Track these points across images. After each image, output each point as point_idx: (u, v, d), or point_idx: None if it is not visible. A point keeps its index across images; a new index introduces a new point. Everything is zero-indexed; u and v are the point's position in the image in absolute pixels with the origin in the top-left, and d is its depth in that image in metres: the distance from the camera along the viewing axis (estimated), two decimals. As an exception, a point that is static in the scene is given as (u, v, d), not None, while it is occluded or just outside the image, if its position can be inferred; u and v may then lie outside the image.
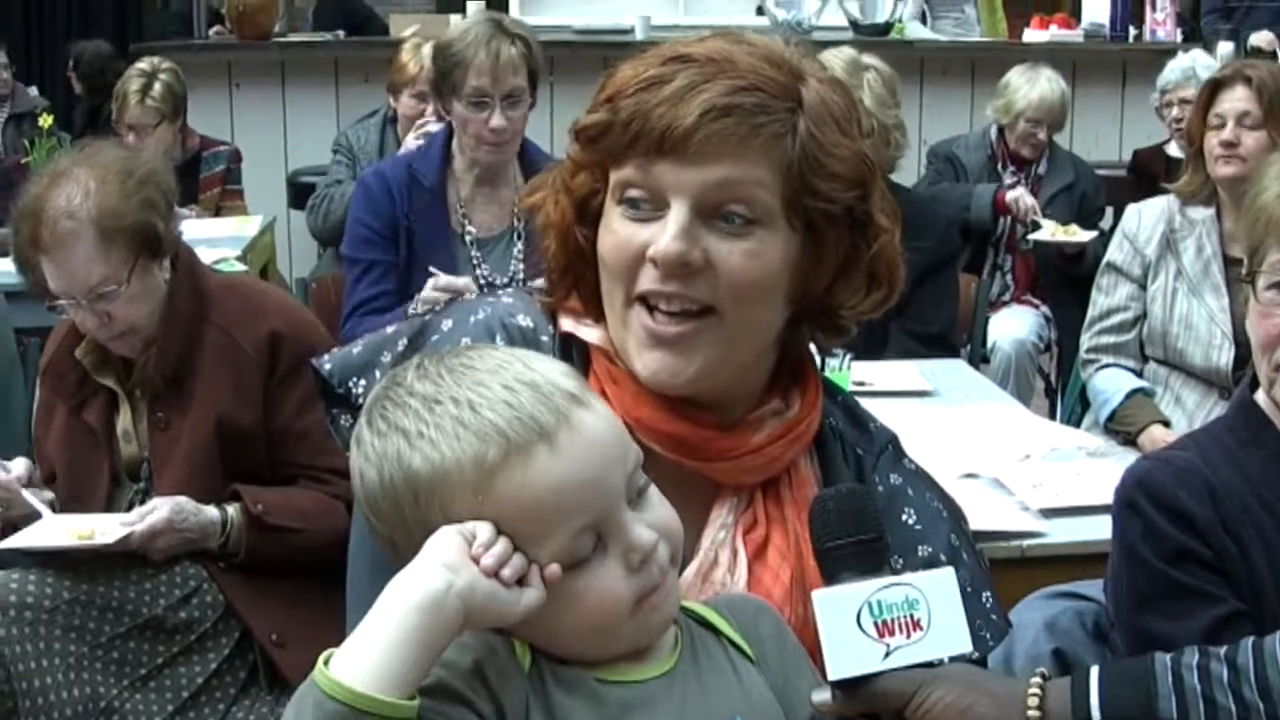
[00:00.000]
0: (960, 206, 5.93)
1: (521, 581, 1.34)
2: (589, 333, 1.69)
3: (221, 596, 3.12)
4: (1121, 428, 4.11)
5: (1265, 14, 8.37)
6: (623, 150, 1.58)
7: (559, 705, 1.37)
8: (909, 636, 1.47)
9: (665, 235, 1.55)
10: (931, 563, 1.66)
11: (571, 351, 1.70)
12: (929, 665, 1.49)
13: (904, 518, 1.71)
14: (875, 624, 1.46)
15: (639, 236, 1.58)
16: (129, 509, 3.18)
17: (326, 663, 1.26)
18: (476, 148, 4.12)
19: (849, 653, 1.46)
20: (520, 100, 4.11)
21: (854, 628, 1.46)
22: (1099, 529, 2.88)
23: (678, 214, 1.55)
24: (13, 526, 3.13)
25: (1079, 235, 5.87)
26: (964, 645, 1.49)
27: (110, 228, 3.04)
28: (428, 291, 3.92)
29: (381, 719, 1.23)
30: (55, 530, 3.05)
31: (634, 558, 1.39)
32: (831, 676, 1.46)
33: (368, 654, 1.26)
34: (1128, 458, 3.19)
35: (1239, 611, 2.08)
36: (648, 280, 1.58)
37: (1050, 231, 5.90)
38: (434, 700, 1.30)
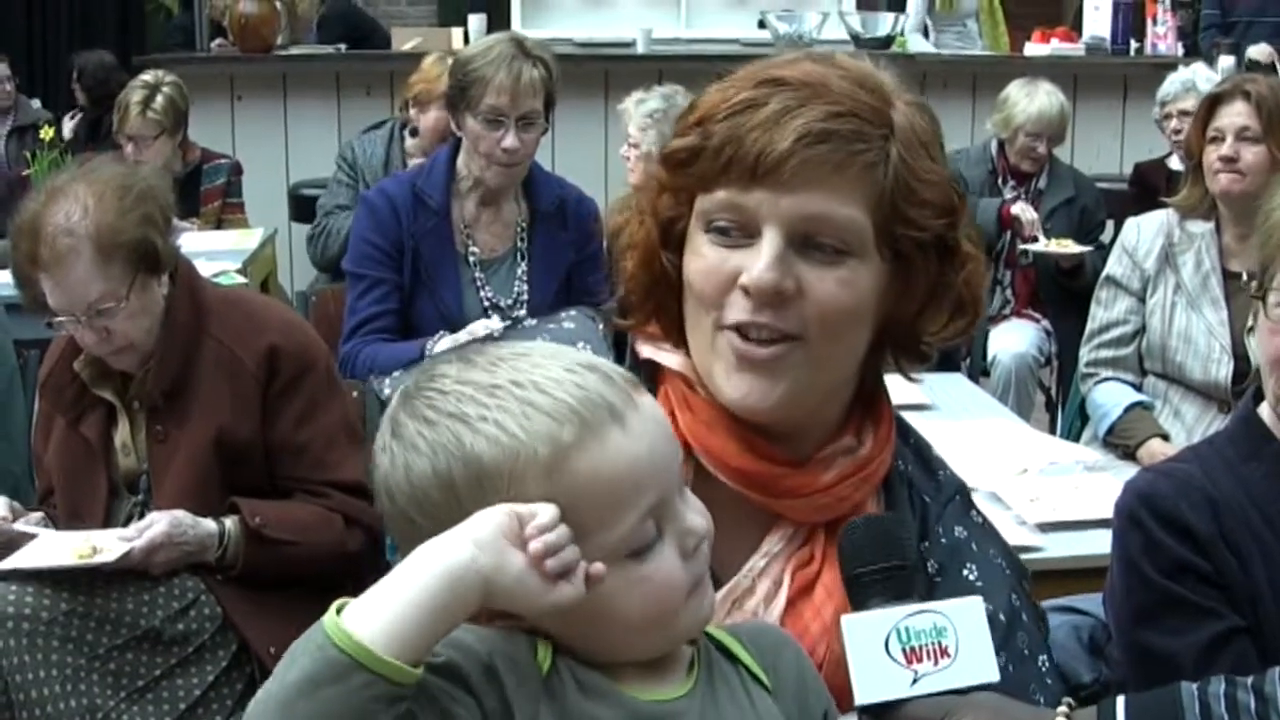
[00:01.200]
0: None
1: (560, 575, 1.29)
2: (668, 358, 1.68)
3: (219, 609, 3.12)
4: (1121, 441, 4.11)
5: (1265, 29, 8.38)
6: (714, 176, 1.55)
7: (580, 712, 1.34)
8: (936, 664, 1.46)
9: (759, 264, 1.53)
10: (990, 621, 1.61)
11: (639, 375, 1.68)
12: (956, 693, 1.47)
13: (965, 572, 1.69)
14: (903, 650, 1.46)
15: (729, 263, 1.56)
16: (127, 522, 3.19)
17: (339, 611, 1.23)
18: (486, 166, 4.12)
19: (877, 678, 1.45)
20: (535, 123, 4.11)
21: (882, 653, 1.46)
22: (1096, 543, 2.88)
23: (771, 242, 1.53)
24: (11, 545, 3.13)
25: (1073, 248, 5.88)
26: (991, 674, 1.48)
27: (109, 244, 3.04)
28: (457, 337, 3.91)
29: (379, 677, 1.19)
30: (55, 549, 3.04)
31: (690, 542, 1.38)
32: (859, 702, 1.46)
33: (380, 612, 1.21)
34: (1126, 472, 3.19)
35: (1238, 627, 2.07)
36: (738, 310, 1.56)
37: (1044, 244, 5.91)
38: (439, 678, 1.27)
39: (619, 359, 1.67)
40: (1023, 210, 5.99)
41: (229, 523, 3.14)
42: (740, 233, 1.56)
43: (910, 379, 1.73)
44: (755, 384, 1.57)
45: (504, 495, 1.30)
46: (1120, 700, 1.71)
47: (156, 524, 3.04)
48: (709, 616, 1.43)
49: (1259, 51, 7.76)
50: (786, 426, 1.63)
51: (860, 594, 1.50)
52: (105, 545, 3.03)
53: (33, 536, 3.09)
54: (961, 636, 1.47)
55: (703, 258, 1.58)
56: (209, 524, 3.11)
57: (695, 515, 1.39)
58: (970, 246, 1.65)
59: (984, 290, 1.68)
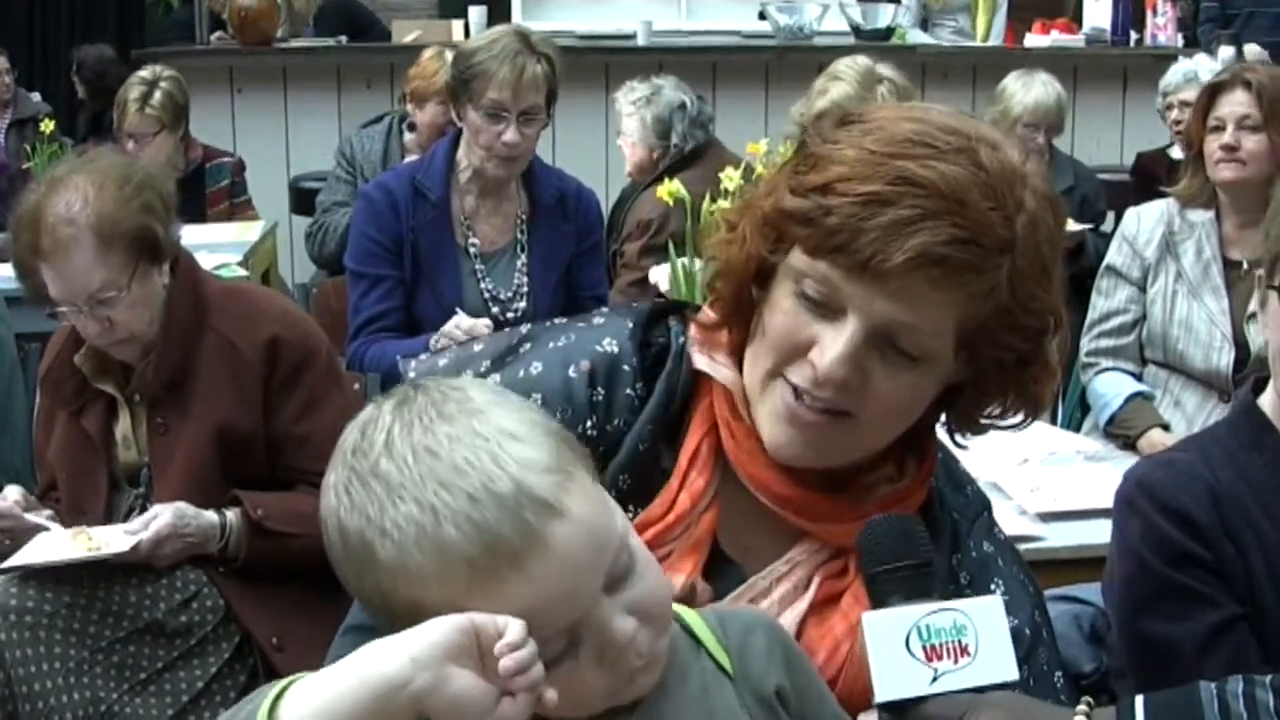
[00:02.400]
0: None
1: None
2: (722, 373, 1.67)
3: (222, 601, 3.13)
4: (1121, 431, 4.11)
5: (1265, 20, 8.37)
6: (821, 250, 1.52)
7: None
8: (956, 662, 1.46)
9: (831, 354, 1.52)
10: (1016, 636, 1.62)
11: (669, 374, 1.68)
12: (975, 691, 1.48)
13: (993, 587, 1.70)
14: (924, 648, 1.46)
15: (806, 330, 1.55)
16: (128, 515, 3.21)
17: (284, 691, 1.26)
18: (486, 159, 4.11)
19: (897, 675, 1.46)
20: (536, 118, 4.11)
21: (903, 650, 1.46)
22: (1097, 533, 2.88)
23: (852, 335, 1.52)
24: (21, 535, 3.14)
25: (1071, 225, 5.87)
26: (1010, 673, 1.48)
27: (109, 233, 3.05)
28: (449, 328, 3.91)
29: None
30: (62, 544, 3.05)
31: (610, 653, 1.33)
32: (879, 699, 1.46)
33: (315, 703, 1.24)
34: (1126, 462, 3.19)
35: (1238, 615, 2.08)
36: (800, 376, 1.56)
37: None
38: None
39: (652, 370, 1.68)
40: None
41: (230, 514, 3.14)
42: (827, 306, 1.54)
43: (960, 446, 1.73)
44: (796, 440, 1.58)
45: (403, 608, 1.30)
46: (1139, 700, 1.71)
47: (161, 516, 3.04)
48: (645, 691, 1.38)
49: (1252, 53, 7.74)
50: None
51: (879, 592, 1.51)
52: (111, 540, 3.04)
53: (43, 528, 3.10)
54: (981, 635, 1.48)
55: (784, 313, 1.57)
56: (211, 515, 3.12)
57: (621, 620, 1.33)
58: (1053, 360, 1.63)
59: (1050, 393, 1.67)
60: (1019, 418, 1.68)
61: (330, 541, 1.36)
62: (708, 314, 1.71)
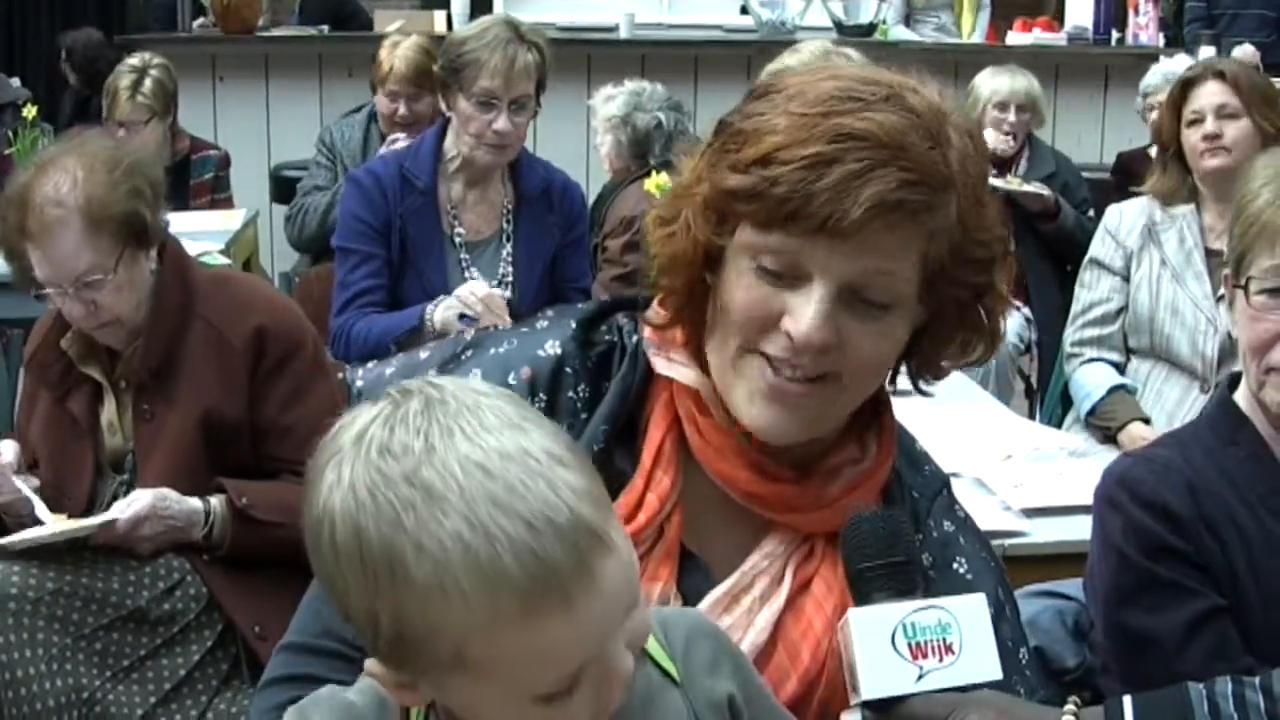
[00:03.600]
0: None
1: None
2: (682, 373, 1.65)
3: (205, 589, 3.12)
4: (1102, 423, 4.13)
5: (1249, 21, 8.40)
6: (773, 221, 1.51)
7: None
8: (941, 660, 1.46)
9: (806, 320, 1.51)
10: None
11: (624, 374, 1.68)
12: (959, 690, 1.48)
13: (955, 566, 1.70)
14: (909, 645, 1.46)
15: (773, 302, 1.54)
16: (112, 501, 3.19)
17: None
18: (475, 147, 4.11)
19: (882, 673, 1.46)
20: (526, 107, 4.11)
21: (888, 648, 1.46)
22: (1080, 529, 2.88)
23: (822, 297, 1.51)
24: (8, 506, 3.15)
25: (1027, 187, 5.92)
26: (994, 672, 1.49)
27: (98, 216, 3.04)
28: (464, 292, 3.91)
29: None
30: (41, 531, 3.05)
31: (606, 690, 1.28)
32: (864, 696, 1.46)
33: None
34: (1108, 458, 3.18)
35: (1219, 606, 2.10)
36: (777, 348, 1.54)
37: (1006, 181, 5.95)
38: None
39: (601, 368, 1.67)
40: (985, 135, 6.01)
41: (215, 501, 3.14)
42: (789, 274, 1.53)
43: (924, 393, 1.73)
44: (780, 416, 1.56)
45: (420, 634, 1.22)
46: (1127, 701, 1.71)
47: (140, 499, 3.04)
48: (609, 713, 1.32)
49: (1242, 53, 7.77)
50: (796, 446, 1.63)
51: (864, 589, 1.50)
52: (89, 520, 3.04)
53: (23, 503, 3.10)
54: (965, 633, 1.48)
55: (746, 290, 1.55)
56: (194, 502, 3.12)
57: (626, 657, 1.28)
58: (1003, 288, 1.64)
59: (1003, 322, 1.67)
60: (979, 352, 1.68)
61: (333, 544, 1.24)
62: (658, 312, 1.69)
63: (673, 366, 1.66)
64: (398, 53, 5.87)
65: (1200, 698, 1.73)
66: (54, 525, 3.04)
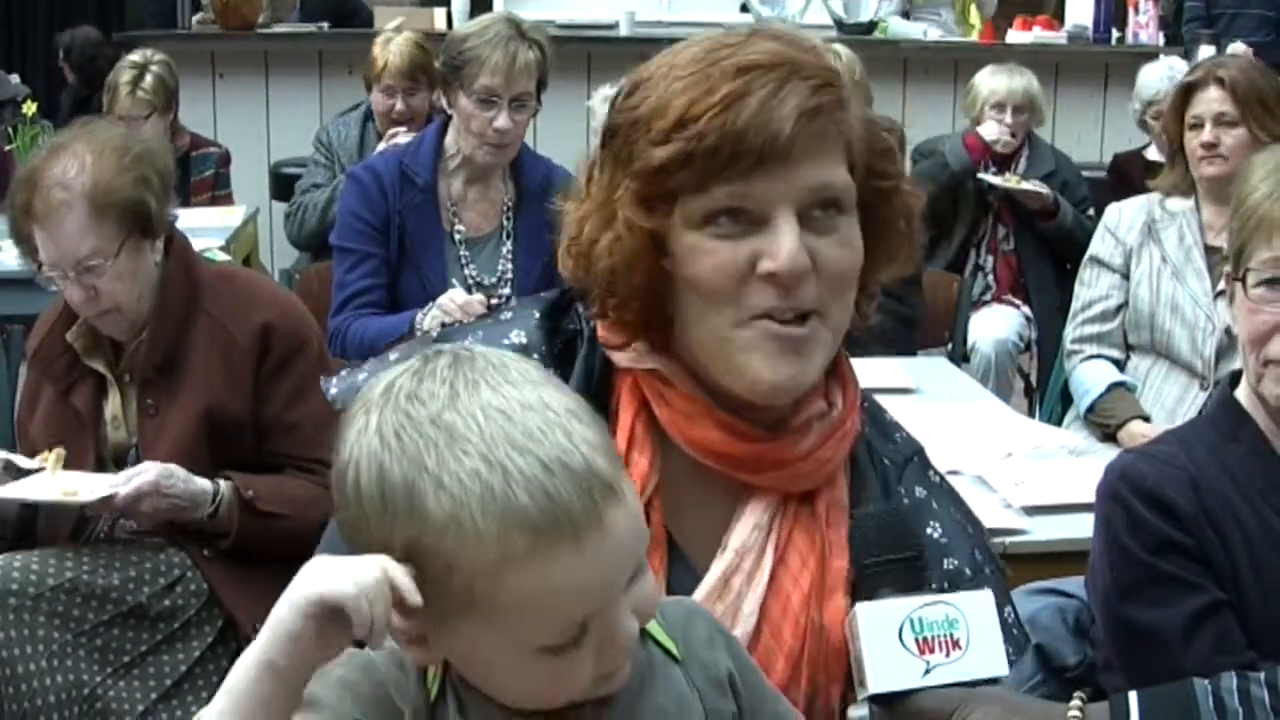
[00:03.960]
0: (940, 167, 5.96)
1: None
2: (647, 361, 1.65)
3: (205, 585, 3.13)
4: (1101, 421, 4.14)
5: (1248, 21, 8.40)
6: (711, 175, 1.53)
7: None
8: (948, 655, 1.48)
9: (784, 251, 1.52)
10: (957, 576, 1.66)
11: (585, 359, 1.69)
12: (965, 685, 1.49)
13: (929, 530, 1.70)
14: (916, 640, 1.47)
15: (741, 253, 1.54)
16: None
17: None
18: (477, 145, 4.12)
19: (890, 668, 1.47)
20: (527, 105, 4.11)
21: (896, 643, 1.47)
22: (1081, 527, 2.89)
23: (788, 224, 1.53)
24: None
25: (1026, 185, 5.93)
26: (1001, 668, 1.50)
27: (102, 202, 3.05)
28: (444, 300, 3.91)
29: None
30: (45, 485, 3.06)
31: (610, 652, 1.32)
32: (872, 690, 1.47)
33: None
34: (1109, 456, 3.19)
35: (1221, 601, 2.11)
36: (764, 297, 1.55)
37: (1005, 179, 5.96)
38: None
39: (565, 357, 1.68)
40: (987, 130, 6.03)
41: (224, 484, 3.13)
42: (747, 221, 1.54)
43: (866, 317, 1.72)
44: (796, 366, 1.57)
45: (437, 571, 1.26)
46: (1133, 696, 1.72)
47: (146, 472, 3.04)
48: (614, 690, 1.37)
49: (1236, 50, 7.76)
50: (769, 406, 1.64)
51: (871, 584, 1.52)
52: (95, 488, 3.04)
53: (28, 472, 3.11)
54: (972, 629, 1.49)
55: (710, 254, 1.55)
56: (202, 482, 3.11)
57: (629, 620, 1.32)
58: (908, 185, 1.68)
59: (921, 226, 1.70)
60: (903, 258, 1.69)
61: (356, 486, 1.29)
62: (613, 332, 1.67)
63: (633, 359, 1.66)
64: (391, 48, 5.87)
65: (1205, 693, 1.73)
66: (54, 485, 3.04)
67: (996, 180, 6.01)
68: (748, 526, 1.64)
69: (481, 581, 1.25)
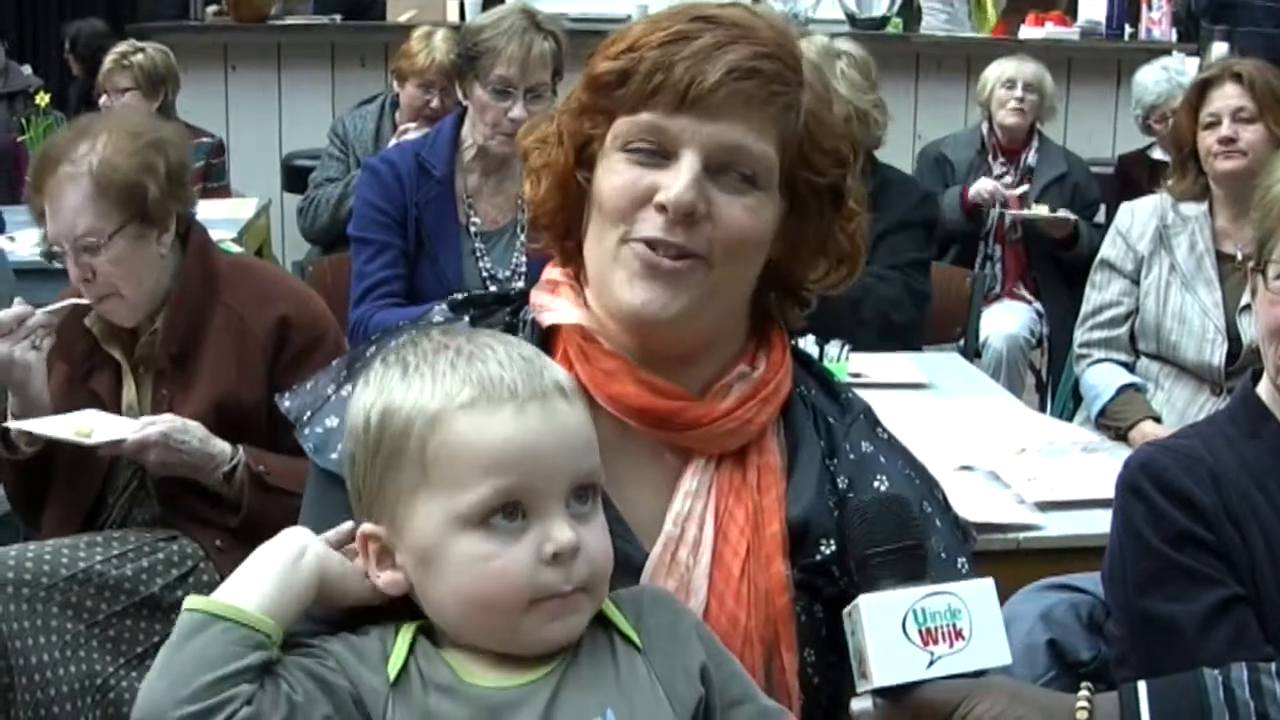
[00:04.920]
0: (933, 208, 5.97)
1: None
2: (567, 314, 1.71)
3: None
4: (1112, 423, 4.13)
5: (1259, 12, 8.36)
6: (640, 100, 1.61)
7: (426, 707, 1.40)
8: (952, 646, 1.47)
9: (678, 184, 1.59)
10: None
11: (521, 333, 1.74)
12: (970, 676, 1.48)
13: (875, 484, 1.72)
14: (920, 631, 1.46)
15: (644, 180, 1.61)
16: (127, 486, 3.24)
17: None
18: (491, 136, 4.10)
19: (895, 659, 1.46)
20: (543, 95, 4.10)
21: (899, 634, 1.46)
22: (1094, 522, 2.90)
23: (690, 165, 1.60)
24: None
25: (1049, 213, 5.95)
26: (1004, 658, 1.49)
27: (104, 181, 3.07)
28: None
29: (234, 623, 1.38)
30: (59, 423, 3.09)
31: (548, 548, 1.42)
32: (877, 683, 1.46)
33: (231, 585, 1.44)
34: (1122, 453, 3.20)
35: (1239, 595, 2.10)
36: (650, 227, 1.61)
37: (1028, 211, 5.98)
38: (295, 656, 1.42)
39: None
40: (980, 187, 6.03)
41: (242, 449, 3.14)
42: (659, 154, 1.62)
43: (792, 331, 1.79)
44: (657, 293, 1.61)
45: (395, 434, 1.44)
46: (1142, 686, 1.71)
47: (158, 423, 3.04)
48: (562, 640, 1.45)
49: (1219, 52, 7.72)
50: (681, 357, 1.68)
51: (871, 575, 1.51)
52: (106, 430, 3.07)
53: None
54: (975, 619, 1.48)
55: (618, 174, 1.63)
56: (221, 444, 3.12)
57: (566, 528, 1.43)
58: (855, 204, 1.73)
59: (865, 245, 1.76)
60: (843, 272, 1.74)
61: (365, 436, 1.47)
62: (546, 276, 1.77)
63: (555, 315, 1.72)
64: (435, 44, 5.84)
65: (1215, 683, 1.73)
66: (65, 431, 3.06)
67: (1026, 213, 6.01)
68: (681, 494, 1.67)
69: (428, 432, 1.42)
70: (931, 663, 1.46)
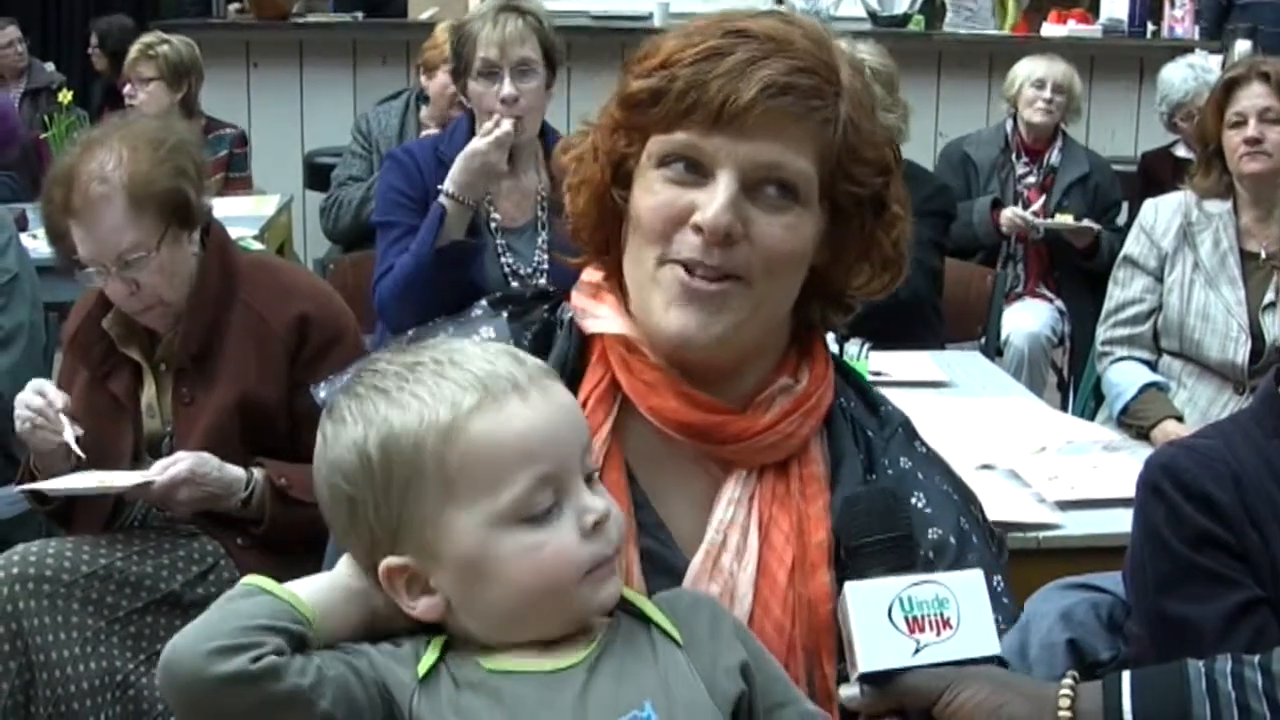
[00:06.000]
0: (963, 223, 5.96)
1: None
2: (609, 324, 1.69)
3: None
4: (1135, 421, 4.11)
5: (1266, 10, 8.35)
6: (675, 118, 1.59)
7: (457, 703, 1.41)
8: (939, 634, 1.48)
9: (714, 205, 1.57)
10: (942, 545, 1.67)
11: (560, 343, 1.73)
12: (957, 664, 1.49)
13: (913, 500, 1.71)
14: (906, 619, 1.48)
15: (681, 200, 1.59)
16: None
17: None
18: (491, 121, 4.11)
19: (880, 646, 1.48)
20: (531, 71, 4.07)
21: (885, 622, 1.48)
22: (1114, 522, 2.90)
23: (727, 185, 1.57)
24: (30, 474, 3.18)
25: (1074, 222, 5.95)
26: (992, 647, 1.51)
27: (141, 194, 3.05)
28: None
29: (280, 599, 1.40)
30: (82, 477, 3.08)
31: (588, 519, 1.43)
32: (862, 669, 1.48)
33: (291, 584, 1.44)
34: (1143, 453, 3.20)
35: (1260, 597, 2.09)
36: (688, 248, 1.59)
37: (1054, 220, 5.98)
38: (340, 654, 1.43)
39: (543, 343, 1.73)
40: (1012, 216, 6.04)
41: (257, 472, 3.14)
42: (695, 172, 1.60)
43: (833, 329, 1.78)
44: (695, 317, 1.60)
45: (406, 459, 1.42)
46: (1125, 675, 1.71)
47: (181, 462, 3.04)
48: (612, 600, 1.47)
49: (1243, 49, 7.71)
50: (722, 370, 1.67)
51: (861, 565, 1.53)
52: (125, 477, 3.07)
53: (59, 452, 3.11)
54: (963, 609, 1.50)
55: (655, 194, 1.61)
56: (235, 470, 3.12)
57: (596, 498, 1.46)
58: (899, 208, 1.70)
59: (909, 250, 1.73)
60: (886, 278, 1.72)
61: (333, 448, 1.48)
62: (586, 278, 1.76)
63: (599, 322, 1.71)
64: None
65: (1199, 674, 1.73)
66: (90, 477, 3.05)
67: (1049, 222, 6.00)
68: (724, 502, 1.67)
69: (444, 446, 1.41)
70: (917, 650, 1.48)
